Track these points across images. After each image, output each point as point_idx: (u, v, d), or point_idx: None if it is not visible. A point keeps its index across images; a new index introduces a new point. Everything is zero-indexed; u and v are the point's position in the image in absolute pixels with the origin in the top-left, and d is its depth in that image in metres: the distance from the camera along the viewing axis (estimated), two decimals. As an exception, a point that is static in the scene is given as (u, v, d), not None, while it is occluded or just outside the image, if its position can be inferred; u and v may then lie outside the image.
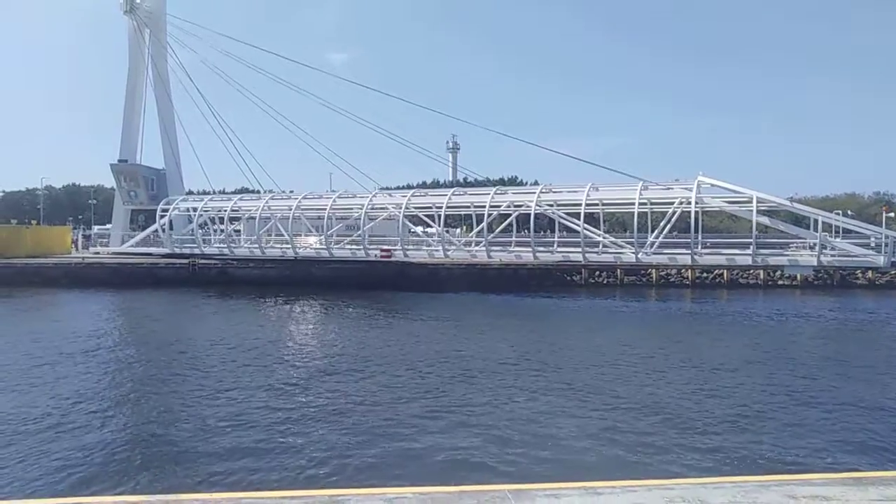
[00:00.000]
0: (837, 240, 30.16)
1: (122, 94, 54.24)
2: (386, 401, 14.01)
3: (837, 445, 11.18)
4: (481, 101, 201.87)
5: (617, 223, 66.62)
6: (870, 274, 41.00)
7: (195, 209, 46.58)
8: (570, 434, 11.60)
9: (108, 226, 60.22)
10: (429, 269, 42.11)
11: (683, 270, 41.94)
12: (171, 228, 47.93)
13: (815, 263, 30.45)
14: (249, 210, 45.09)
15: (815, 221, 29.64)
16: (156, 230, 48.98)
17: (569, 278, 42.75)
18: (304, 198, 43.68)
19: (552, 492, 6.51)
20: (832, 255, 30.00)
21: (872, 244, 29.48)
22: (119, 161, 53.69)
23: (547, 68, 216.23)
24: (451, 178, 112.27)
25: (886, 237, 29.00)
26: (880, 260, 29.08)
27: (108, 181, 67.02)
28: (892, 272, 39.41)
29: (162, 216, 47.50)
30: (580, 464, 10.12)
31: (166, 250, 47.33)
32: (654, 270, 42.14)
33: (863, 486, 6.62)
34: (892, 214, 32.68)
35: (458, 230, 59.21)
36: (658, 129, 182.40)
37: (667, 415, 12.91)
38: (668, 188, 33.54)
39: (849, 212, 42.45)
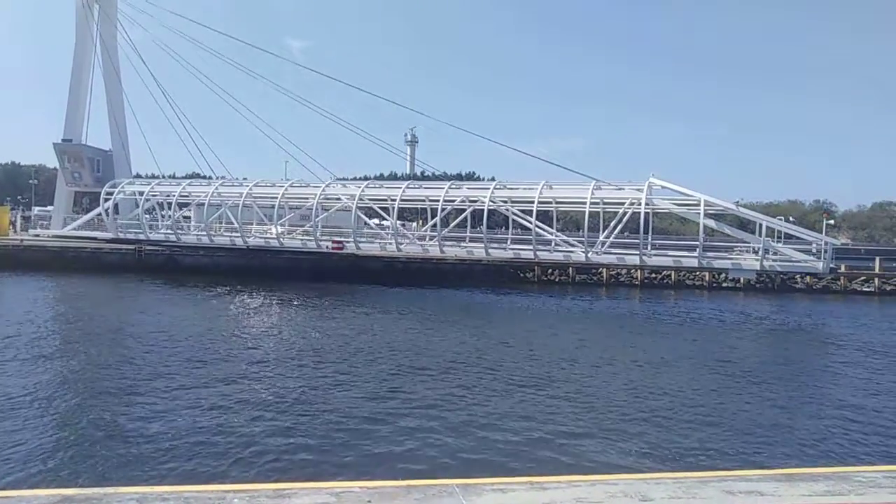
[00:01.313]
0: (780, 244, 31.20)
1: (69, 71, 52.16)
2: (333, 395, 13.89)
3: (771, 444, 11.60)
4: (442, 100, 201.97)
5: (571, 222, 67.55)
6: (808, 279, 42.62)
7: (142, 193, 45.14)
8: (518, 430, 11.70)
9: (50, 207, 57.91)
10: (384, 263, 41.88)
11: (633, 270, 42.77)
12: (116, 212, 46.39)
13: (759, 267, 31.36)
14: (199, 196, 43.87)
15: (760, 226, 30.60)
16: (100, 214, 47.31)
17: (522, 275, 43.14)
18: (256, 185, 42.74)
19: (499, 486, 6.53)
20: (774, 260, 30.99)
21: (814, 250, 30.63)
22: (63, 140, 51.54)
23: (509, 71, 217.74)
24: (408, 172, 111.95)
25: (826, 244, 30.18)
26: (820, 265, 30.19)
27: (51, 161, 64.67)
28: (829, 277, 41.07)
29: (107, 199, 45.93)
30: (527, 459, 10.23)
31: (111, 235, 45.80)
32: (604, 270, 42.87)
33: (793, 482, 6.88)
34: (831, 222, 33.97)
35: (415, 224, 59.02)
36: (616, 134, 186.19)
37: (611, 412, 13.17)
38: (620, 188, 34.05)
39: (790, 218, 43.99)
